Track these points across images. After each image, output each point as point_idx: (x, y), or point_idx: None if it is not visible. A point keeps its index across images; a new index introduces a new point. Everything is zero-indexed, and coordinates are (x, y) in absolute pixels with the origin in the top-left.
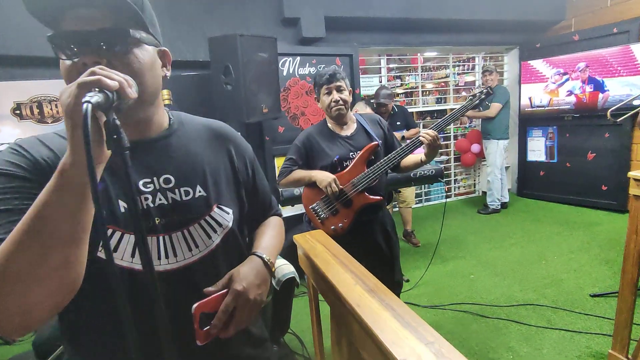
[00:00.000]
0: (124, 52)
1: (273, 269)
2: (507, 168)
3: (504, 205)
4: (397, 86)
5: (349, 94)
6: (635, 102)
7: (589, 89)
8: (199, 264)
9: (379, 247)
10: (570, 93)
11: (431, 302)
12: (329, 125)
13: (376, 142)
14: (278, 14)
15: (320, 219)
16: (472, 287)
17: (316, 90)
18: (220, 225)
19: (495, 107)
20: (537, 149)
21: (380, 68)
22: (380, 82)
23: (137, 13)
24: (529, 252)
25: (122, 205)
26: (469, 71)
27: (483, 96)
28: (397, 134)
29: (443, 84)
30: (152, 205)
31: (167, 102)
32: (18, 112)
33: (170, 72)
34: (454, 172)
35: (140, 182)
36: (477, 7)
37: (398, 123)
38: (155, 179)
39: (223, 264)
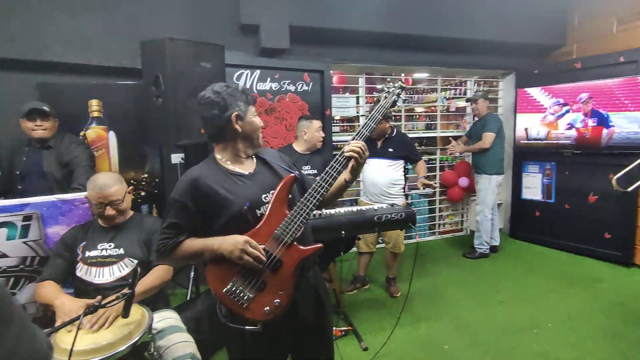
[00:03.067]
0: None
1: None
2: (499, 205)
3: (493, 249)
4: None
5: None
6: None
7: (591, 122)
8: None
9: (306, 322)
10: (571, 126)
11: None
12: (223, 160)
13: (293, 174)
14: (235, 20)
15: (244, 304)
16: None
17: (243, 108)
18: None
19: (488, 137)
20: (533, 186)
21: (360, 88)
22: (358, 102)
23: None
24: (519, 315)
25: None
26: (461, 96)
27: (398, 90)
28: (386, 163)
29: (433, 108)
30: None
31: (96, 114)
32: None
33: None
34: (439, 208)
35: None
36: (470, 25)
37: (390, 150)
38: None
39: None
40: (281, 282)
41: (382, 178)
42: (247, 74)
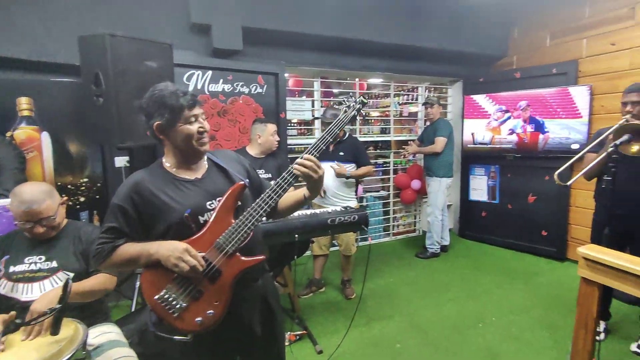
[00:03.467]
0: None
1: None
2: (449, 206)
3: (444, 249)
4: None
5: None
6: (574, 146)
7: (530, 128)
8: None
9: (253, 332)
10: (512, 132)
11: None
12: (168, 165)
13: (242, 182)
14: (185, 19)
15: (176, 313)
16: None
17: (168, 116)
18: None
19: (440, 142)
20: (479, 188)
21: (316, 91)
22: (313, 106)
23: None
24: (467, 311)
25: None
26: (413, 102)
27: (359, 105)
28: (344, 167)
29: (387, 113)
30: None
31: (26, 112)
32: None
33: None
34: (393, 210)
35: None
36: (420, 34)
37: (341, 154)
38: None
39: None
40: (217, 293)
41: (334, 181)
42: (198, 75)
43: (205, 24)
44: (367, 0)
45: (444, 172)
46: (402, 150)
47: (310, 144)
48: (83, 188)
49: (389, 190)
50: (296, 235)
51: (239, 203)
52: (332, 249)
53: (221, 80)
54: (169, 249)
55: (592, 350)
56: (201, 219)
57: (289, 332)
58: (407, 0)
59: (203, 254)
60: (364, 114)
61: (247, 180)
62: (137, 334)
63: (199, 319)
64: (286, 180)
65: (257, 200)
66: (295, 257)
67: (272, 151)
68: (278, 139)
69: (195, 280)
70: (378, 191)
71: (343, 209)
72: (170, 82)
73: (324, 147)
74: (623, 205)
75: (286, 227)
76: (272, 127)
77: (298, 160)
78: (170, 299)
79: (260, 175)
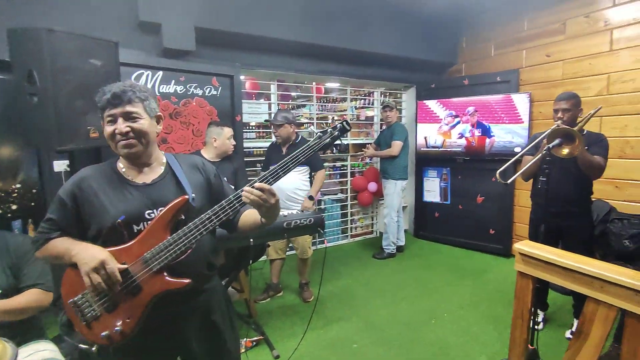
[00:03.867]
0: None
1: None
2: (404, 208)
3: (400, 249)
4: (299, 116)
5: (151, 124)
6: (517, 149)
7: (477, 133)
8: None
9: (192, 350)
10: (462, 136)
11: None
12: (120, 166)
13: (186, 197)
14: (133, 16)
15: (85, 320)
16: None
17: (99, 115)
18: None
19: (397, 145)
20: (432, 189)
21: (272, 94)
22: (270, 109)
23: None
24: (420, 309)
25: None
26: (369, 106)
27: (337, 133)
28: (299, 176)
29: (344, 116)
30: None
31: None
32: None
33: None
34: (351, 212)
35: None
36: (375, 40)
37: None
38: None
39: None
40: (132, 309)
41: (288, 184)
42: (147, 75)
43: (155, 22)
44: (323, 6)
45: (400, 175)
46: (359, 154)
47: (269, 171)
48: (15, 195)
49: (346, 193)
50: (251, 240)
51: (183, 217)
52: (289, 252)
53: (173, 82)
54: (86, 256)
55: (528, 339)
56: (135, 227)
57: (245, 339)
58: (364, 7)
59: (126, 266)
60: (341, 143)
61: (201, 194)
62: (77, 351)
63: (105, 333)
64: (232, 205)
65: (196, 220)
66: (251, 261)
67: (228, 155)
68: (234, 142)
69: (112, 291)
70: (336, 194)
71: (299, 212)
72: (118, 81)
73: (283, 176)
74: (555, 204)
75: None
76: (228, 131)
77: (246, 188)
78: (83, 305)
79: None
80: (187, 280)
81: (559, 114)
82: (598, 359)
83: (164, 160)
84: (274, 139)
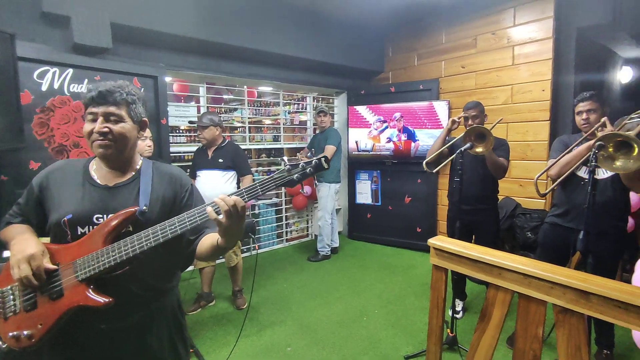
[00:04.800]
0: None
1: None
2: (338, 210)
3: (334, 251)
4: (232, 119)
5: (133, 128)
6: None
7: (404, 137)
8: None
9: None
10: (390, 140)
11: None
12: (92, 164)
13: (133, 209)
14: (36, 7)
15: (4, 314)
16: None
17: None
18: None
19: (330, 150)
20: (364, 191)
21: (202, 97)
22: (199, 112)
23: None
24: (353, 307)
25: None
26: (302, 110)
27: (310, 169)
28: (217, 174)
29: (278, 121)
30: None
31: None
32: None
33: None
34: (286, 216)
35: None
36: (305, 47)
37: (220, 161)
38: None
39: None
40: (47, 315)
41: (213, 190)
42: (54, 72)
43: (62, 15)
44: (254, 9)
45: (333, 178)
46: (294, 158)
47: (243, 189)
48: None
49: (281, 197)
50: None
51: (130, 229)
52: (219, 261)
53: (86, 80)
54: (19, 248)
55: (444, 326)
56: (80, 230)
57: None
58: (296, 15)
59: (56, 267)
60: (307, 174)
61: (144, 208)
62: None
63: (13, 333)
64: (181, 224)
65: (134, 236)
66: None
67: (145, 158)
68: (150, 144)
69: (36, 291)
70: (271, 198)
71: None
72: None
73: (254, 195)
74: (467, 202)
75: None
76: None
77: (222, 196)
78: (7, 299)
79: None
80: (106, 300)
81: (469, 121)
82: (507, 340)
83: (138, 166)
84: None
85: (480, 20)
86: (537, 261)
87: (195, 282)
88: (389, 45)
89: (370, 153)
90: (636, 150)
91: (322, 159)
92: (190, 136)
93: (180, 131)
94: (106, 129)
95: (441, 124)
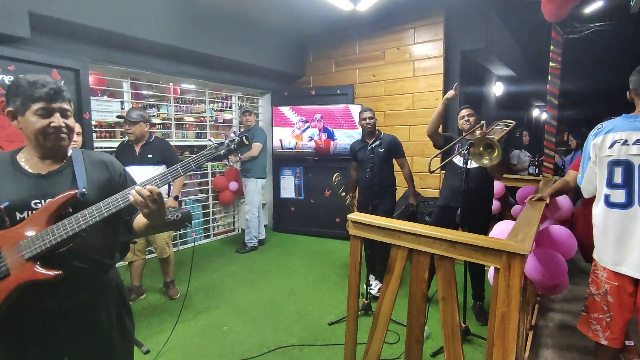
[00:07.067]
0: None
1: None
2: (264, 205)
3: (261, 242)
4: (153, 115)
5: (73, 122)
6: None
7: (324, 136)
8: None
9: (75, 345)
10: (311, 139)
11: None
12: (20, 156)
13: (74, 192)
14: None
15: None
16: (224, 341)
17: (18, 103)
18: None
19: (257, 147)
20: (288, 186)
21: (125, 93)
22: (123, 107)
23: None
24: (282, 289)
25: None
26: (227, 109)
27: (233, 146)
28: (147, 169)
29: (202, 118)
30: None
31: None
32: None
33: None
34: (213, 211)
35: None
36: (232, 48)
37: (150, 156)
38: None
39: None
40: None
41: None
42: None
43: None
44: (181, 9)
45: (260, 174)
46: (219, 139)
47: (160, 174)
48: None
49: (207, 193)
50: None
51: (71, 210)
52: (150, 256)
53: (0, 70)
54: None
55: (360, 286)
56: (19, 215)
57: None
58: (223, 17)
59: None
60: (236, 155)
61: (84, 190)
62: None
63: None
64: (115, 203)
65: (77, 214)
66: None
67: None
68: (76, 140)
69: None
70: (197, 194)
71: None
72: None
73: (171, 180)
74: (366, 189)
75: None
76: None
77: (137, 187)
78: None
79: None
80: (56, 272)
81: (366, 121)
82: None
83: (68, 155)
84: (126, 138)
85: (387, 36)
86: (423, 225)
87: (124, 278)
88: (310, 52)
89: (294, 151)
90: (497, 151)
91: (244, 137)
92: (114, 132)
93: (102, 127)
94: (64, 124)
95: (356, 125)
